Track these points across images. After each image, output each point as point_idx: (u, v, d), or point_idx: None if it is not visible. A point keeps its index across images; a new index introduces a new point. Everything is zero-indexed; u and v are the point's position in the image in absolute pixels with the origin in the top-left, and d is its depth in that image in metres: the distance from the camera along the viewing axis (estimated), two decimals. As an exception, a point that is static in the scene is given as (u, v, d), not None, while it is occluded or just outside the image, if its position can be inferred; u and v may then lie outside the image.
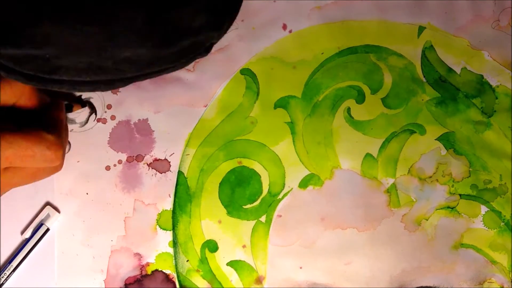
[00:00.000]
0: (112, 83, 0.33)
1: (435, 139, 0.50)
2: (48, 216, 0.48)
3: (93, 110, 0.48)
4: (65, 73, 0.30)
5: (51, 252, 0.48)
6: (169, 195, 0.49)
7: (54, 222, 0.48)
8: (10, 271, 0.47)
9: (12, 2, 0.25)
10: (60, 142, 0.39)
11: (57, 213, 0.48)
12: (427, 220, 0.50)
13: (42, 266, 0.48)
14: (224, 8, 0.32)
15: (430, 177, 0.50)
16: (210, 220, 0.49)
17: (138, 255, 0.49)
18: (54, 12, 0.26)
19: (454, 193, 0.50)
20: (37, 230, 0.47)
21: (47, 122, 0.39)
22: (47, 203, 0.48)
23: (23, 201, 0.48)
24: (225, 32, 0.35)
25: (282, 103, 0.50)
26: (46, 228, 0.48)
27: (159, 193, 0.49)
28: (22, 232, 0.48)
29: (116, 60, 0.30)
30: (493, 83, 0.51)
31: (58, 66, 0.30)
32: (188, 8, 0.29)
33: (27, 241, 0.47)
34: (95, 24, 0.27)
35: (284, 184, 0.50)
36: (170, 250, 0.49)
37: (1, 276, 0.46)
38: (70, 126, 0.49)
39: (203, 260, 0.49)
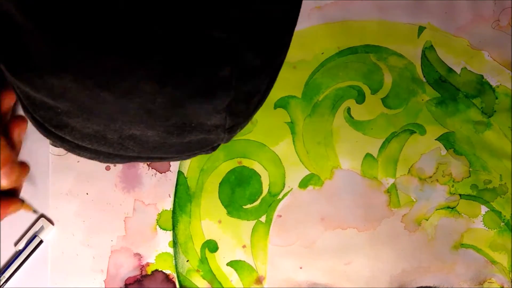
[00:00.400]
0: (111, 157, 0.33)
1: (435, 139, 0.50)
2: (42, 228, 0.48)
3: (35, 212, 0.49)
4: (69, 133, 0.30)
5: (44, 264, 0.48)
6: (169, 195, 0.49)
7: (48, 234, 0.48)
8: (2, 282, 0.47)
9: (42, 45, 0.25)
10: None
11: (51, 225, 0.48)
12: (427, 220, 0.50)
13: (35, 278, 0.47)
14: (244, 112, 0.31)
15: (430, 177, 0.50)
16: (210, 220, 0.49)
17: (138, 255, 0.49)
18: (78, 69, 0.25)
19: (454, 193, 0.50)
20: (30, 241, 0.47)
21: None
22: (42, 215, 0.48)
23: (17, 212, 0.48)
24: (234, 135, 0.34)
25: (282, 103, 0.50)
26: (39, 240, 0.47)
27: (159, 193, 0.49)
28: (16, 244, 0.48)
29: (122, 135, 0.29)
30: (493, 83, 0.51)
31: (65, 123, 0.29)
32: (209, 106, 0.28)
33: (20, 252, 0.47)
34: (113, 94, 0.26)
35: (284, 184, 0.50)
36: (170, 250, 0.49)
37: None
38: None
39: (203, 260, 0.49)
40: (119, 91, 0.26)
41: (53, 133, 0.30)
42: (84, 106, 0.27)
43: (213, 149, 0.35)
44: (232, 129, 0.31)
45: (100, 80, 0.26)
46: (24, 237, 0.48)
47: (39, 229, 0.48)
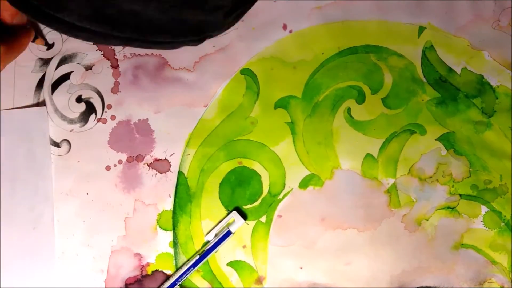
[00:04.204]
0: (108, 39, 0.34)
1: (435, 139, 0.50)
2: (233, 222, 0.48)
3: (48, 45, 0.48)
4: (68, 15, 0.32)
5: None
6: (170, 195, 0.49)
7: (237, 227, 0.49)
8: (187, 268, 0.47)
9: None
10: (6, 57, 0.43)
11: (242, 219, 0.49)
12: (427, 220, 0.50)
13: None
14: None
15: (431, 177, 0.50)
16: (211, 220, 0.49)
17: (139, 255, 0.49)
18: None
19: (454, 193, 0.50)
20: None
21: (8, 37, 0.42)
22: (236, 209, 0.49)
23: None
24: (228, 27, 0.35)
25: (283, 103, 0.50)
26: (227, 230, 0.48)
27: (159, 193, 0.49)
28: (207, 234, 0.48)
29: (122, 9, 0.30)
30: (493, 83, 0.51)
31: (65, 5, 0.31)
32: None
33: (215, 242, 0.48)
34: None
35: (284, 184, 0.50)
36: (171, 250, 0.49)
37: None
38: (70, 126, 0.49)
39: (203, 260, 0.49)
40: None
41: (53, 17, 0.33)
42: None
43: (201, 40, 0.35)
44: (230, 14, 0.32)
45: None
46: (214, 229, 0.49)
47: (231, 222, 0.49)
